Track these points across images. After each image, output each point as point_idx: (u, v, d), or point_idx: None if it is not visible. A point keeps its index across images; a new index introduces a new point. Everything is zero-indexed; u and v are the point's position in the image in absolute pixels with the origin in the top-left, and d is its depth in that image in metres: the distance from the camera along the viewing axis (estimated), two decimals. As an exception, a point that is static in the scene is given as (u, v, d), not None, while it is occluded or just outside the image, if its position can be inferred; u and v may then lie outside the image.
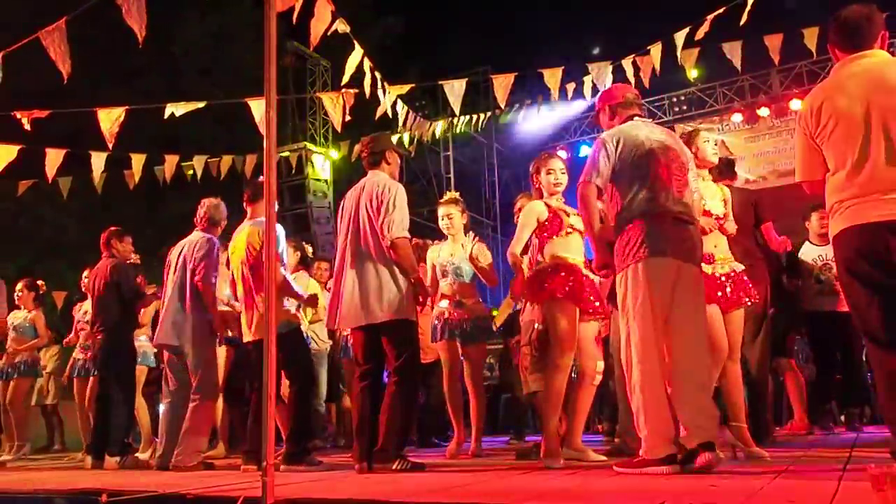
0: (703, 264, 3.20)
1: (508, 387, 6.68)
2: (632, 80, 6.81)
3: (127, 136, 5.87)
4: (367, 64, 5.60)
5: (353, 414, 3.80)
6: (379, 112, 6.74)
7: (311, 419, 4.73)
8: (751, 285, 3.69)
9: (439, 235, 5.05)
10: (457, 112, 7.16)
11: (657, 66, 6.48)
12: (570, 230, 3.77)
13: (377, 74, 5.85)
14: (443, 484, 2.85)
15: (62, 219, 12.73)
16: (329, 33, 4.88)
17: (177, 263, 4.59)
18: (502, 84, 6.41)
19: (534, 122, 13.43)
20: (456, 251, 4.75)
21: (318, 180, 12.82)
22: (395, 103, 6.90)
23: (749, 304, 3.65)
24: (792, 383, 5.67)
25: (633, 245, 2.92)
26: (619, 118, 3.27)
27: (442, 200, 4.97)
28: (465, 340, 4.71)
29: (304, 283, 5.42)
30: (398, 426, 3.53)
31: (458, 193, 5.05)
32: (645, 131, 3.14)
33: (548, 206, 3.83)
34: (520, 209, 4.20)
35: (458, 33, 16.17)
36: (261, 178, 3.67)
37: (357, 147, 5.04)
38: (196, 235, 4.65)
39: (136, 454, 5.40)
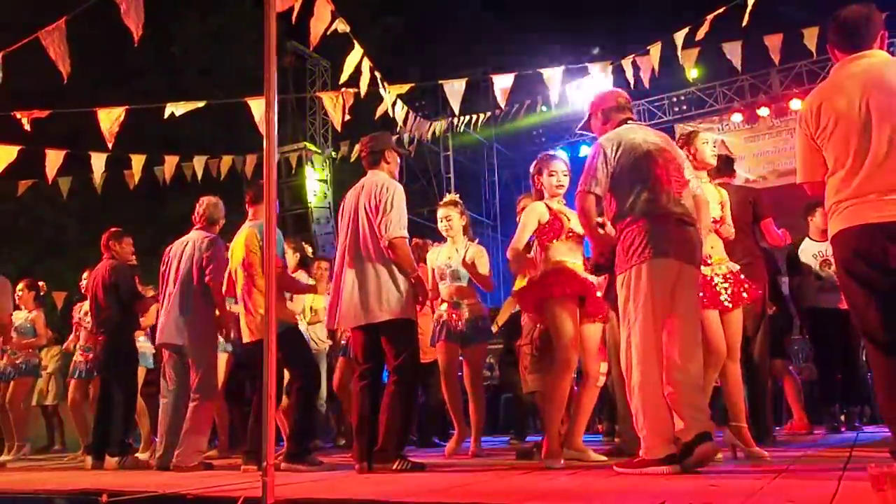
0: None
1: (508, 387, 6.67)
2: (631, 80, 6.82)
3: (127, 136, 5.87)
4: (366, 64, 5.60)
5: (353, 414, 3.80)
6: (380, 111, 6.74)
7: (313, 418, 4.73)
8: (748, 283, 3.68)
9: (439, 236, 5.06)
10: (457, 112, 7.16)
11: (657, 66, 6.48)
12: (570, 234, 3.77)
13: (377, 74, 5.85)
14: (443, 484, 2.85)
15: (62, 219, 12.74)
16: (329, 33, 4.88)
17: (179, 262, 4.56)
18: (502, 84, 6.41)
19: (534, 121, 13.45)
20: (454, 254, 4.75)
21: (318, 180, 12.82)
22: (394, 103, 6.90)
23: (747, 300, 3.65)
24: (789, 384, 5.68)
25: (636, 247, 2.92)
26: (611, 123, 3.27)
27: (441, 203, 4.97)
28: (463, 342, 4.71)
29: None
30: (398, 426, 3.53)
31: (457, 195, 5.04)
32: (641, 134, 3.14)
33: (549, 207, 3.83)
34: (522, 209, 4.20)
35: (458, 33, 16.14)
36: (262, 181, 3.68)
37: (357, 147, 5.04)
38: (197, 234, 4.65)
39: (136, 454, 5.40)
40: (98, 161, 6.96)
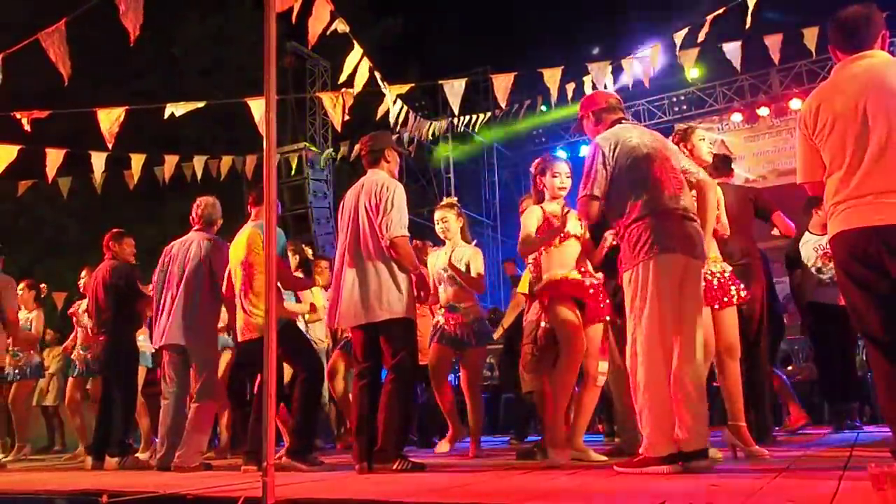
0: None
1: (509, 387, 6.67)
2: (630, 80, 6.83)
3: (127, 136, 5.88)
4: (366, 64, 5.60)
5: (352, 413, 3.79)
6: (381, 111, 6.74)
7: (317, 414, 4.72)
8: (741, 284, 3.69)
9: (439, 238, 5.04)
10: (456, 112, 7.16)
11: (656, 66, 6.48)
12: (565, 237, 3.79)
13: (377, 74, 5.85)
14: (443, 484, 2.85)
15: (62, 219, 12.74)
16: (328, 33, 4.88)
17: (183, 263, 4.54)
18: (502, 84, 6.42)
19: (534, 121, 13.46)
20: (454, 258, 4.73)
21: (318, 181, 12.82)
22: (394, 102, 6.91)
23: (740, 301, 3.64)
24: (777, 383, 5.66)
25: (642, 243, 2.91)
26: (603, 124, 3.27)
27: (438, 205, 4.96)
28: (460, 346, 4.66)
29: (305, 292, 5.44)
30: (396, 425, 3.53)
31: (455, 198, 5.03)
32: (636, 134, 3.15)
33: (543, 211, 3.84)
34: (524, 210, 4.19)
35: (458, 33, 16.15)
36: None
37: (357, 146, 5.04)
38: (198, 235, 4.64)
39: (137, 454, 5.40)
40: (98, 161, 6.97)
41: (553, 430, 3.60)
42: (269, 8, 2.40)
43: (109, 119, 5.64)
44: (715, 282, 3.61)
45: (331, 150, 12.60)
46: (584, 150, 12.81)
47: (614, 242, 3.48)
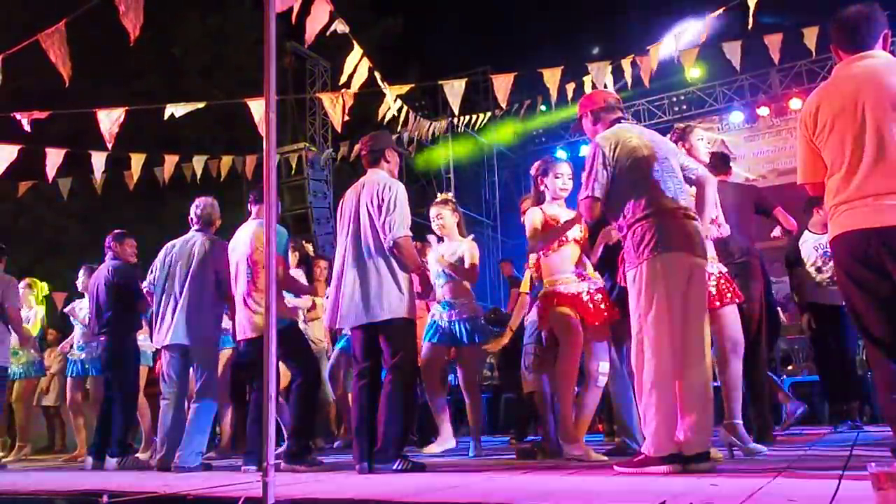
0: None
1: (509, 387, 6.67)
2: (629, 80, 6.82)
3: (127, 136, 5.88)
4: (365, 64, 5.60)
5: (353, 414, 3.79)
6: (382, 112, 6.73)
7: (314, 417, 4.71)
8: (734, 286, 3.68)
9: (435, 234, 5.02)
10: (456, 112, 7.16)
11: (656, 67, 6.48)
12: (563, 240, 3.79)
13: (377, 75, 5.85)
14: (443, 484, 2.85)
15: (62, 219, 12.73)
16: (328, 33, 4.88)
17: (187, 263, 4.53)
18: (502, 84, 6.42)
19: (534, 121, 13.46)
20: (447, 252, 4.72)
21: (318, 181, 12.82)
22: (394, 101, 6.90)
23: (732, 301, 3.64)
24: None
25: (646, 242, 2.90)
26: (602, 123, 3.27)
27: (433, 202, 4.95)
28: (456, 343, 4.61)
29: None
30: (396, 425, 3.53)
31: (450, 194, 5.00)
32: (636, 133, 3.15)
33: (543, 213, 3.86)
34: (524, 211, 4.19)
35: (458, 33, 16.15)
36: None
37: (357, 146, 5.04)
38: (199, 235, 4.63)
39: (137, 455, 5.40)
40: (98, 161, 6.97)
41: (564, 426, 3.63)
42: (269, 8, 2.40)
43: (109, 119, 5.64)
44: (713, 281, 3.61)
45: (331, 150, 12.60)
46: (585, 151, 12.84)
47: (617, 237, 3.48)
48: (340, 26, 4.94)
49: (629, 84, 7.25)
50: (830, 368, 5.58)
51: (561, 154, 12.81)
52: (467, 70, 11.79)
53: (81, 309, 6.38)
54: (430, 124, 10.00)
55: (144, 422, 6.13)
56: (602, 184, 3.05)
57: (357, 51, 5.54)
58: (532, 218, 3.86)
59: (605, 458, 3.74)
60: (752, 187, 5.17)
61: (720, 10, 5.86)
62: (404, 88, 7.02)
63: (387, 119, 6.91)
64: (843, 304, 4.60)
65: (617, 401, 4.00)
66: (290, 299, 5.09)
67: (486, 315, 5.70)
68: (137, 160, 7.34)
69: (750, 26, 5.63)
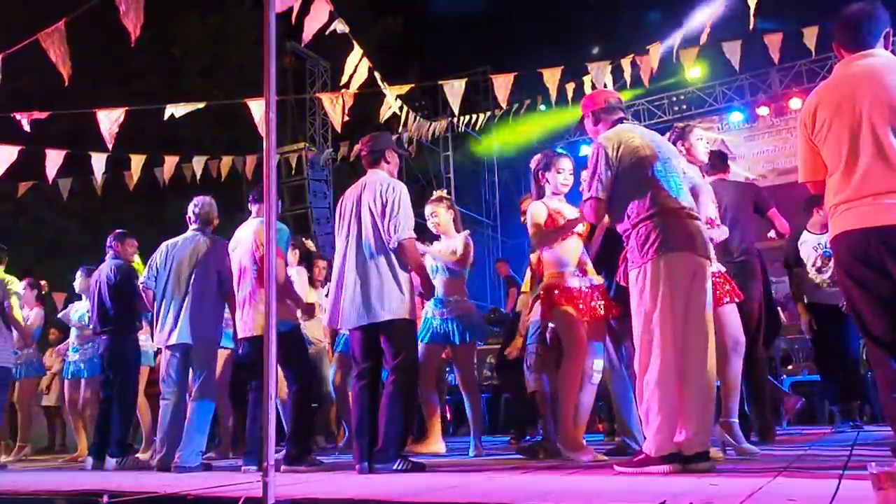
0: None
1: (507, 387, 6.66)
2: (628, 80, 6.82)
3: (127, 136, 5.88)
4: (366, 64, 5.60)
5: (353, 414, 3.79)
6: (383, 111, 6.73)
7: (311, 420, 4.70)
8: (735, 285, 3.68)
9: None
10: (456, 112, 7.16)
11: (656, 66, 6.49)
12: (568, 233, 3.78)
13: (377, 74, 5.85)
14: (443, 484, 2.85)
15: (62, 220, 12.74)
16: (328, 33, 4.88)
17: (191, 262, 4.52)
18: (502, 84, 6.42)
19: (534, 121, 13.45)
20: (443, 248, 4.70)
21: (318, 181, 12.83)
22: (395, 100, 6.90)
23: (732, 301, 3.64)
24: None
25: (651, 242, 2.90)
26: (603, 124, 3.27)
27: (428, 201, 4.93)
28: (448, 341, 4.53)
29: (302, 283, 5.44)
30: (398, 426, 3.53)
31: (445, 191, 4.97)
32: (638, 133, 3.15)
33: (546, 206, 3.84)
34: (525, 211, 4.18)
35: (458, 33, 16.15)
36: None
37: (357, 146, 5.04)
38: (199, 235, 4.63)
39: (137, 455, 5.40)
40: (98, 162, 6.97)
41: (564, 433, 3.59)
42: (269, 8, 2.40)
43: (109, 120, 5.64)
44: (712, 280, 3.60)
45: (330, 150, 12.61)
46: (584, 150, 12.87)
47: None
48: (340, 26, 4.94)
49: (628, 83, 7.25)
50: (831, 369, 5.58)
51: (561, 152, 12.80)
52: (467, 70, 11.79)
53: (77, 311, 6.39)
54: (430, 124, 10.00)
55: (145, 422, 6.13)
56: (605, 184, 3.05)
57: (357, 51, 5.54)
58: (536, 212, 3.83)
59: (605, 457, 3.74)
60: (751, 185, 5.16)
61: (720, 10, 5.86)
62: (404, 88, 7.02)
63: (386, 119, 6.91)
64: (842, 304, 4.61)
65: (617, 401, 3.99)
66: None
67: (486, 315, 5.69)
68: (137, 161, 7.35)
69: (751, 25, 5.63)
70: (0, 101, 5.54)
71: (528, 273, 4.65)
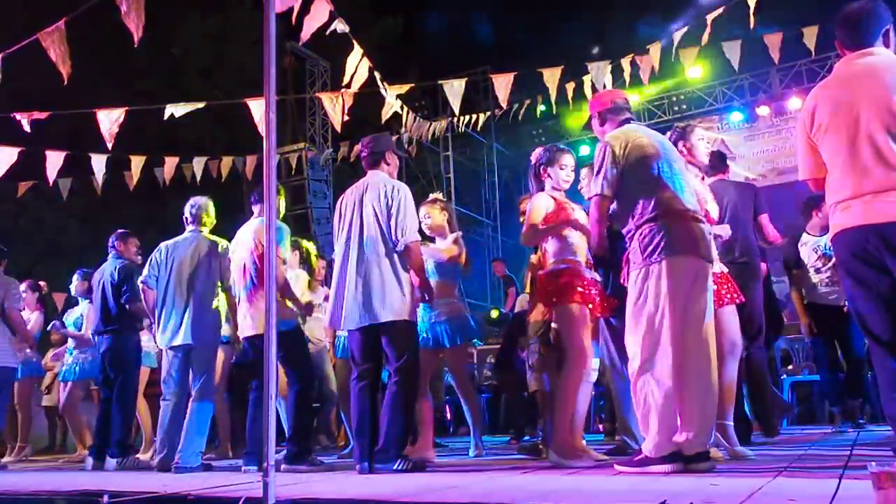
0: None
1: (506, 387, 6.67)
2: (627, 79, 6.82)
3: (127, 136, 5.88)
4: (366, 64, 5.59)
5: (353, 415, 3.78)
6: (383, 111, 6.73)
7: (311, 420, 4.70)
8: (734, 286, 3.67)
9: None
10: (457, 112, 7.16)
11: (657, 66, 6.48)
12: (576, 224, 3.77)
13: (377, 74, 5.85)
14: (443, 484, 2.85)
15: (62, 220, 12.74)
16: (328, 33, 4.88)
17: (192, 263, 4.51)
18: (502, 84, 6.42)
19: (534, 122, 13.44)
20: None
21: (318, 181, 12.83)
22: (395, 100, 6.90)
23: (731, 301, 3.62)
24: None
25: (654, 245, 2.89)
26: (610, 124, 3.27)
27: (423, 203, 4.88)
28: (438, 344, 4.37)
29: (301, 285, 5.44)
30: (399, 427, 3.53)
31: (439, 194, 4.92)
32: (644, 133, 3.15)
33: (553, 198, 3.80)
34: (524, 211, 4.16)
35: (458, 33, 16.16)
36: None
37: (357, 147, 5.03)
38: (198, 235, 4.63)
39: (137, 455, 5.40)
40: (98, 162, 6.97)
41: (560, 440, 3.55)
42: (269, 8, 2.40)
43: (109, 120, 5.64)
44: (720, 283, 3.60)
45: (330, 150, 12.61)
46: (585, 150, 12.86)
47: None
48: (340, 26, 4.94)
49: (627, 83, 7.25)
50: (831, 369, 5.58)
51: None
52: (467, 70, 11.78)
53: (72, 313, 6.40)
54: (430, 124, 10.00)
55: (146, 422, 6.12)
56: (611, 182, 3.04)
57: (357, 51, 5.53)
58: (540, 203, 3.75)
59: (606, 457, 3.74)
60: (751, 186, 5.15)
61: (720, 10, 5.85)
62: (404, 88, 7.02)
63: (387, 119, 6.91)
64: (844, 304, 4.61)
65: (618, 399, 3.98)
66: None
67: (485, 316, 5.68)
68: (137, 161, 7.35)
69: (752, 25, 5.62)
70: (0, 101, 5.53)
71: (528, 275, 4.62)
